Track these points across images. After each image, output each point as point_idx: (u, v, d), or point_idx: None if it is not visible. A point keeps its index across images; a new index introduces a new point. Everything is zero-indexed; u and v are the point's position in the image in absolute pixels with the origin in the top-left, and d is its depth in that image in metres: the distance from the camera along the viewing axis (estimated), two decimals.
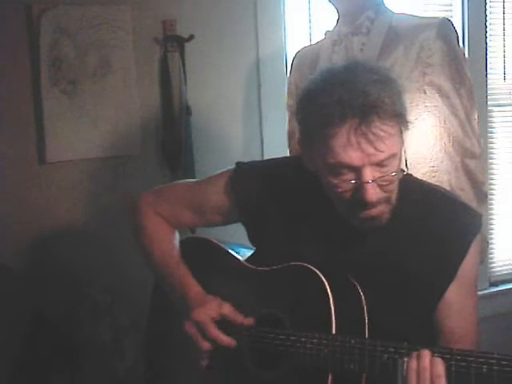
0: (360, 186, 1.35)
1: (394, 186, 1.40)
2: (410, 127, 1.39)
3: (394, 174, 1.36)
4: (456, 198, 1.58)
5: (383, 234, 1.44)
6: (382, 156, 1.33)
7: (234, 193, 1.61)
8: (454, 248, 1.45)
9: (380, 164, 1.34)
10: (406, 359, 1.31)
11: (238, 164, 1.64)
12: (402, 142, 1.39)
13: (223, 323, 1.53)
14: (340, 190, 1.37)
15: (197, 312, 1.52)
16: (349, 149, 1.32)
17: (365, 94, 1.31)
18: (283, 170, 1.60)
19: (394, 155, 1.35)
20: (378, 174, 1.35)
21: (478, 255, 1.51)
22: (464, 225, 1.47)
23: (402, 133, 1.38)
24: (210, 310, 1.52)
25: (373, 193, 1.34)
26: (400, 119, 1.36)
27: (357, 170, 1.34)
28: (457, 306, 1.47)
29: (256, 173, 1.62)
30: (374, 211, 1.38)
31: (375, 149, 1.32)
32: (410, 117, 1.85)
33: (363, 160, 1.33)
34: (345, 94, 1.31)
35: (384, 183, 1.36)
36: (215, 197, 1.64)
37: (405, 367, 1.30)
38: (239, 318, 1.52)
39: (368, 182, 1.34)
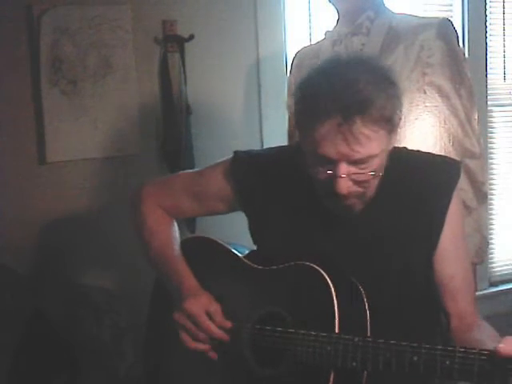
0: (334, 178, 1.37)
1: (372, 184, 1.41)
2: (399, 130, 1.40)
3: (372, 173, 1.38)
4: (432, 153, 1.61)
5: (374, 215, 1.47)
6: (357, 156, 1.35)
7: (233, 179, 1.62)
8: (438, 199, 1.49)
9: (356, 162, 1.36)
10: None
11: (236, 152, 1.66)
12: (390, 142, 1.39)
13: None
14: (319, 176, 1.40)
15: (189, 303, 1.52)
16: (327, 143, 1.34)
17: (354, 93, 1.31)
18: (280, 158, 1.62)
19: (372, 156, 1.36)
20: (353, 170, 1.37)
21: (460, 202, 1.57)
22: (444, 174, 1.51)
23: (389, 134, 1.38)
24: (202, 303, 1.53)
25: (344, 186, 1.37)
26: (387, 124, 1.35)
27: (333, 163, 1.37)
28: (452, 253, 1.50)
29: (254, 160, 1.64)
30: (346, 202, 1.41)
31: (351, 149, 1.34)
32: (410, 117, 1.86)
33: (338, 156, 1.35)
34: (335, 89, 1.32)
35: (360, 179, 1.38)
36: (215, 183, 1.65)
37: None
38: (220, 319, 1.53)
39: (341, 177, 1.36)
